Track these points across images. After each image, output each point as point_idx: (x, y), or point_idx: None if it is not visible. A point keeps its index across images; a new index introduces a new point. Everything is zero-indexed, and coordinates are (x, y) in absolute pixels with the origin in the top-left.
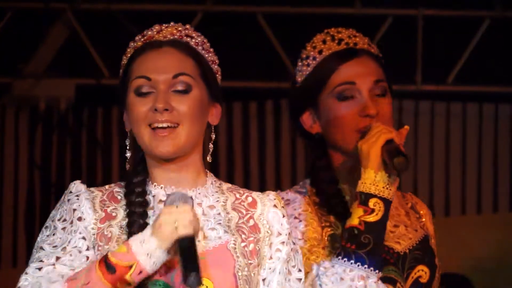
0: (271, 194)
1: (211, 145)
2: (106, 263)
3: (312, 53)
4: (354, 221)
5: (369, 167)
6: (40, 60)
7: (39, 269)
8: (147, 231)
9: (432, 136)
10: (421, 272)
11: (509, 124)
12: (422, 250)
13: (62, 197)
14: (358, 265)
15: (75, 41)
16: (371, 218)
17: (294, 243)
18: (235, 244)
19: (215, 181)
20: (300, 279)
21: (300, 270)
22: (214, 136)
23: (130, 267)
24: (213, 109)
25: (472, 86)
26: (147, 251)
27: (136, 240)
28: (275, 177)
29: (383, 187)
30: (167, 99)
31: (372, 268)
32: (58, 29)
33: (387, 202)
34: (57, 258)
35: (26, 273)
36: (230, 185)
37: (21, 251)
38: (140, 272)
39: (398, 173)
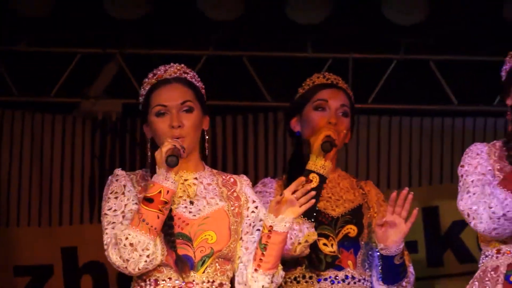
0: (244, 176)
1: (206, 144)
2: (145, 199)
3: (308, 82)
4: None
5: (312, 152)
6: (99, 86)
7: (112, 228)
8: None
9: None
10: (350, 229)
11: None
12: (352, 215)
13: (110, 179)
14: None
15: (122, 73)
16: (309, 186)
17: (262, 208)
18: (228, 208)
19: (209, 168)
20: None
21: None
22: (207, 137)
23: (160, 192)
24: (204, 120)
25: (384, 105)
26: (162, 177)
27: (154, 178)
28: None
29: (320, 167)
30: (179, 118)
31: (306, 218)
32: (111, 65)
33: (321, 177)
34: (120, 217)
35: (106, 233)
36: (217, 170)
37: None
38: (168, 191)
39: (325, 152)
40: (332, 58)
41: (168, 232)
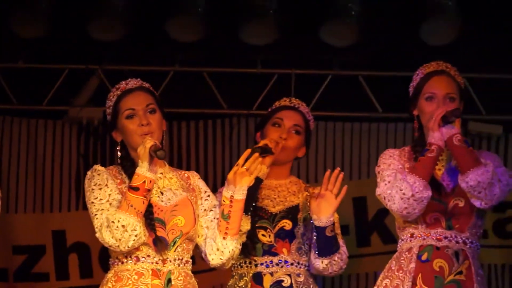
0: (194, 172)
1: (163, 143)
2: (132, 188)
3: (276, 103)
4: None
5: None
6: (84, 96)
7: (101, 213)
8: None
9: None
10: (285, 223)
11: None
12: (288, 212)
13: (90, 174)
14: None
15: (103, 86)
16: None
17: (212, 195)
18: (190, 198)
19: (168, 165)
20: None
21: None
22: (165, 136)
23: (144, 181)
24: (163, 122)
25: (318, 112)
26: (145, 169)
27: (137, 170)
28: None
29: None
30: (146, 118)
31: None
32: (94, 79)
33: (257, 179)
34: (107, 205)
35: (96, 218)
36: (173, 168)
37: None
38: (150, 181)
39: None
40: (277, 73)
41: (149, 216)
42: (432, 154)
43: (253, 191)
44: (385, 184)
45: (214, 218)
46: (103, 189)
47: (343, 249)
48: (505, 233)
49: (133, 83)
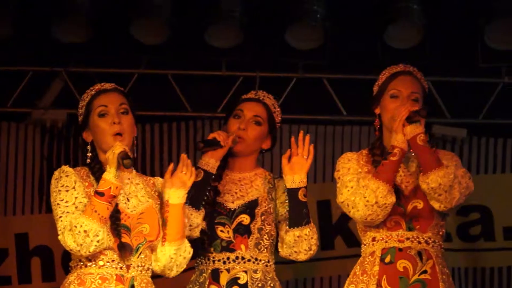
0: (160, 179)
1: (134, 149)
2: (97, 193)
3: (243, 96)
4: None
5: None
6: (48, 99)
7: (66, 216)
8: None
9: None
10: (244, 218)
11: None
12: (247, 206)
13: (57, 174)
14: (186, 204)
15: (67, 88)
16: (196, 180)
17: None
18: (154, 205)
19: (135, 171)
20: None
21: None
22: (135, 142)
23: (110, 187)
24: (135, 127)
25: (286, 115)
26: (112, 175)
27: (104, 175)
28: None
29: (205, 164)
30: (118, 117)
31: (191, 206)
32: (58, 81)
33: (206, 172)
34: (73, 208)
35: (61, 221)
36: (140, 174)
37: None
38: (116, 187)
39: (198, 149)
40: (242, 76)
41: (116, 222)
42: (395, 158)
43: (203, 186)
44: (348, 190)
45: None
46: (70, 192)
47: (314, 228)
48: (468, 236)
49: (108, 84)
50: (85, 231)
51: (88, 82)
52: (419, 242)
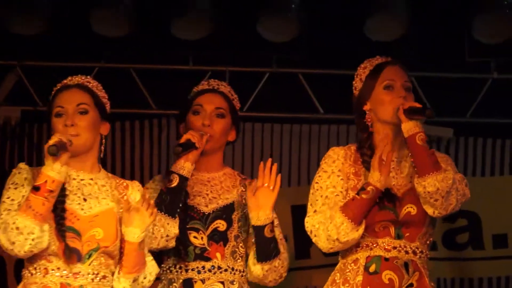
0: (136, 182)
1: (103, 148)
2: (33, 187)
3: (194, 89)
4: (163, 187)
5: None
6: (0, 95)
7: (6, 214)
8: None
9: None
10: (219, 224)
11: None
12: (223, 211)
13: (13, 171)
14: (159, 212)
15: (21, 83)
16: (171, 185)
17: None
18: (117, 210)
19: (104, 171)
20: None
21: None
22: (104, 141)
23: (46, 181)
24: (103, 125)
25: (257, 113)
26: (49, 167)
27: (42, 168)
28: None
29: (180, 168)
30: (73, 119)
31: (167, 215)
32: (11, 76)
33: (181, 177)
34: (16, 206)
35: (1, 219)
36: (111, 174)
37: None
38: (53, 181)
39: (175, 154)
40: (211, 70)
41: (60, 223)
42: (367, 196)
43: (178, 192)
44: (316, 214)
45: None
46: (18, 189)
47: (284, 255)
48: (455, 244)
49: (77, 79)
50: (17, 228)
51: (44, 77)
52: (407, 252)
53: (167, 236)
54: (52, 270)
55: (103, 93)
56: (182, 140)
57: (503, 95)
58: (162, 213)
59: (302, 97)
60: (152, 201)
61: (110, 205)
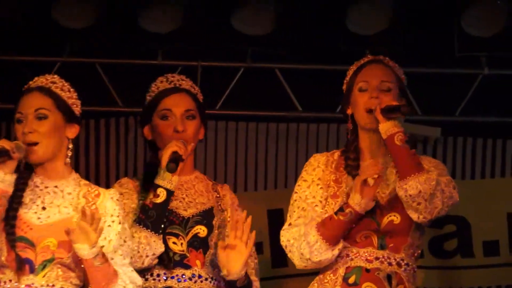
0: (112, 190)
1: (70, 152)
2: None
3: (153, 88)
4: (147, 201)
5: (161, 167)
6: None
7: None
8: None
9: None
10: (200, 230)
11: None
12: (203, 216)
13: None
14: (145, 229)
15: None
16: (157, 200)
17: (124, 222)
18: (77, 219)
19: (77, 177)
20: (129, 245)
21: (129, 240)
22: (71, 145)
23: None
24: (69, 128)
25: (231, 111)
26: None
27: None
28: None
29: (167, 182)
30: (31, 125)
31: (153, 232)
32: None
33: (168, 191)
34: None
35: None
36: (87, 182)
37: None
38: (6, 192)
39: (171, 172)
40: (181, 65)
41: (9, 231)
42: (344, 218)
43: (165, 206)
44: (290, 230)
45: (115, 249)
46: None
47: (256, 284)
48: (442, 252)
49: (40, 80)
50: None
51: (3, 72)
52: (390, 264)
53: (153, 254)
54: (5, 282)
55: (70, 94)
56: (168, 153)
57: (494, 92)
58: (148, 230)
59: (279, 94)
60: (97, 215)
61: (70, 214)
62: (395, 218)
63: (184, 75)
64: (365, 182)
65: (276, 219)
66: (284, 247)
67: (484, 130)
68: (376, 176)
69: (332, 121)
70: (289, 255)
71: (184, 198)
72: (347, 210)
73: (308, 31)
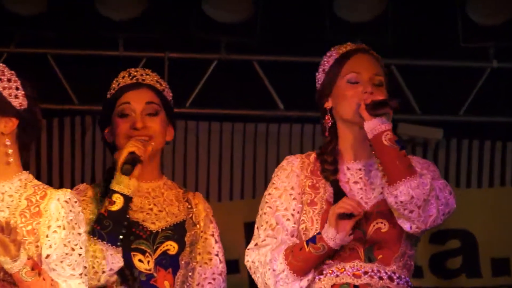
0: (59, 192)
1: (9, 150)
2: None
3: (114, 85)
4: (102, 209)
5: (117, 170)
6: None
7: None
8: None
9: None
10: (170, 246)
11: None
12: (174, 231)
13: None
14: (100, 241)
15: None
16: (113, 208)
17: (78, 227)
18: (16, 224)
19: (26, 178)
20: (80, 254)
21: (81, 248)
22: (9, 142)
23: None
24: (4, 122)
25: (203, 109)
26: None
27: None
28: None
29: (124, 186)
30: None
31: (110, 244)
32: None
33: (126, 197)
34: None
35: None
36: (38, 182)
37: None
38: None
39: (126, 174)
40: (146, 57)
41: None
42: (315, 252)
43: (123, 215)
44: (256, 246)
45: (60, 258)
46: None
47: None
48: (445, 270)
49: None
50: None
51: None
52: (381, 278)
53: (111, 270)
54: None
55: (9, 83)
56: (124, 154)
57: (503, 88)
58: (104, 242)
59: (257, 90)
60: (14, 225)
61: (5, 218)
62: (382, 225)
63: (149, 69)
64: (341, 216)
65: (253, 233)
66: (248, 268)
67: (492, 131)
68: (356, 213)
69: (318, 122)
70: (253, 276)
71: (152, 209)
72: (319, 244)
73: (290, 18)
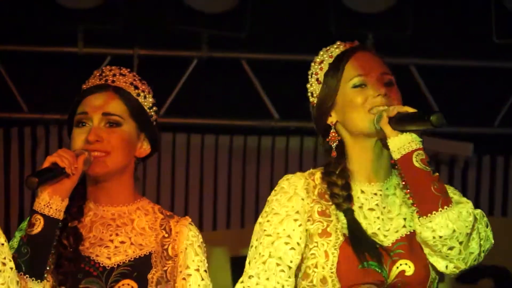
0: None
1: None
2: None
3: (83, 86)
4: (23, 233)
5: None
6: None
7: None
8: None
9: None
10: (127, 286)
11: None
12: (133, 267)
13: None
14: (16, 272)
15: None
16: (32, 231)
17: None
18: None
19: None
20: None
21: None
22: None
23: None
24: None
25: (180, 119)
26: None
27: None
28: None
29: (44, 205)
30: None
31: (28, 276)
32: None
33: (48, 219)
34: None
35: None
36: None
37: None
38: None
39: (30, 188)
40: (110, 55)
41: None
42: None
43: (45, 241)
44: (250, 278)
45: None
46: None
47: None
48: None
49: None
50: None
51: None
52: None
53: None
54: None
55: None
56: (46, 164)
57: None
58: (21, 273)
59: (247, 95)
60: None
61: None
62: (407, 267)
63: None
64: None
65: (242, 270)
66: None
67: None
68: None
69: (316, 133)
70: None
71: (112, 240)
72: None
73: (286, 8)
